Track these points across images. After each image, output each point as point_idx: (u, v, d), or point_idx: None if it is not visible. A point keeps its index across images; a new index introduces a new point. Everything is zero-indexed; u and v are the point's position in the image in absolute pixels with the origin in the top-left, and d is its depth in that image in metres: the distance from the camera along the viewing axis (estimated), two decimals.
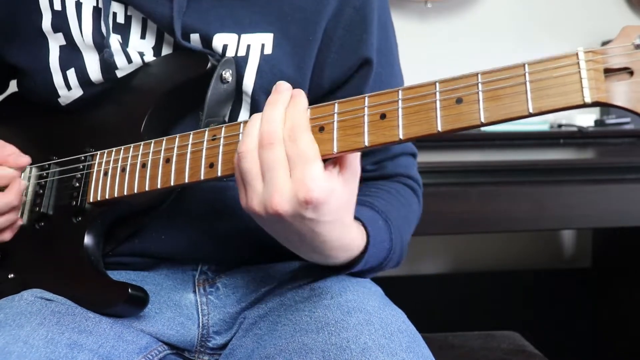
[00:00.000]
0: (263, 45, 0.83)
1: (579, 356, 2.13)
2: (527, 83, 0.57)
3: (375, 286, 0.86)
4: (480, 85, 0.58)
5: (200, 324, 0.87)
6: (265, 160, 0.63)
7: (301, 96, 0.66)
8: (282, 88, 0.66)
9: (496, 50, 2.08)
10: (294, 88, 0.84)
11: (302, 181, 0.61)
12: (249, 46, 0.82)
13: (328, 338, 0.72)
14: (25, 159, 0.85)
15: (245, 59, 0.82)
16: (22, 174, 0.88)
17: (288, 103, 0.65)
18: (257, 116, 0.66)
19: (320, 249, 0.70)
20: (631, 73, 0.55)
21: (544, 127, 1.82)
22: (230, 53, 0.82)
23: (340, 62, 0.87)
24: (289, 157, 0.62)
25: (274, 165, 0.62)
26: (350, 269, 0.77)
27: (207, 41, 0.82)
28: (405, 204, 0.90)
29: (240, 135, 0.69)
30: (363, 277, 0.83)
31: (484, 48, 2.08)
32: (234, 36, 0.82)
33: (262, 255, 0.91)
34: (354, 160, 0.65)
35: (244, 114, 0.85)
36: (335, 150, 0.64)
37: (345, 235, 0.71)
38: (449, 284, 2.19)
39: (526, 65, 0.57)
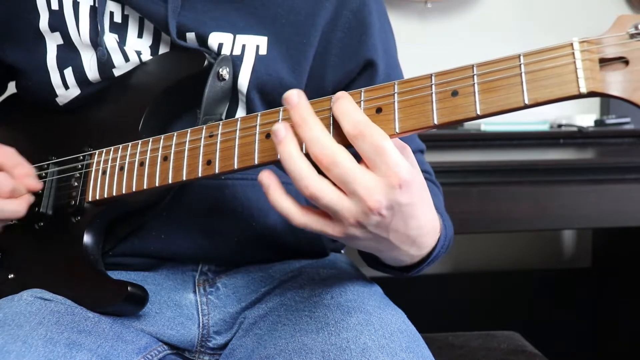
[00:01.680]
0: (258, 47, 0.83)
1: (579, 356, 2.13)
2: (523, 74, 0.57)
3: (376, 286, 0.87)
4: (475, 77, 0.58)
5: (201, 324, 0.87)
6: (337, 177, 0.60)
7: (344, 96, 0.62)
8: (293, 101, 0.62)
9: (496, 51, 2.04)
10: (289, 90, 0.83)
11: (389, 169, 0.59)
12: (244, 46, 0.82)
13: (328, 338, 0.72)
14: (40, 185, 0.86)
15: (240, 57, 0.82)
16: None
17: (310, 110, 0.62)
18: (292, 154, 0.60)
19: (418, 237, 0.66)
20: (626, 62, 0.54)
21: (544, 127, 1.81)
22: (225, 52, 0.82)
23: (342, 64, 0.87)
24: (363, 153, 0.59)
25: (347, 178, 0.59)
26: (425, 262, 0.74)
27: (202, 40, 0.82)
28: (435, 195, 0.89)
29: (238, 131, 0.68)
30: (419, 272, 0.78)
31: (484, 48, 2.08)
32: (229, 35, 0.82)
33: (263, 255, 0.91)
34: (398, 142, 0.63)
35: (240, 113, 0.85)
36: None
37: (432, 212, 0.68)
38: (449, 284, 2.19)
39: (521, 56, 0.57)
